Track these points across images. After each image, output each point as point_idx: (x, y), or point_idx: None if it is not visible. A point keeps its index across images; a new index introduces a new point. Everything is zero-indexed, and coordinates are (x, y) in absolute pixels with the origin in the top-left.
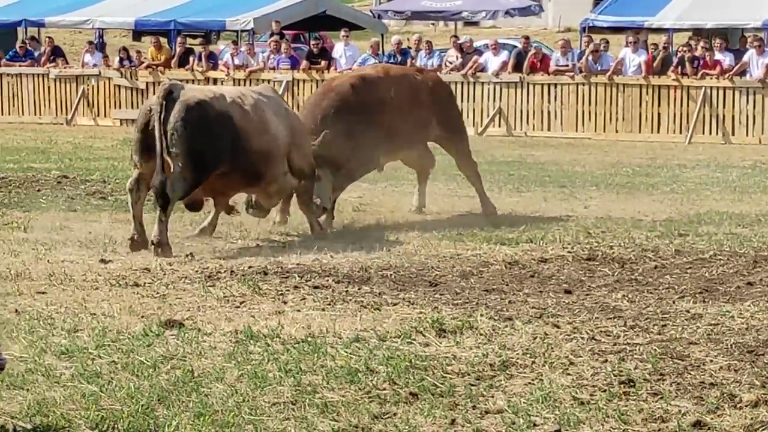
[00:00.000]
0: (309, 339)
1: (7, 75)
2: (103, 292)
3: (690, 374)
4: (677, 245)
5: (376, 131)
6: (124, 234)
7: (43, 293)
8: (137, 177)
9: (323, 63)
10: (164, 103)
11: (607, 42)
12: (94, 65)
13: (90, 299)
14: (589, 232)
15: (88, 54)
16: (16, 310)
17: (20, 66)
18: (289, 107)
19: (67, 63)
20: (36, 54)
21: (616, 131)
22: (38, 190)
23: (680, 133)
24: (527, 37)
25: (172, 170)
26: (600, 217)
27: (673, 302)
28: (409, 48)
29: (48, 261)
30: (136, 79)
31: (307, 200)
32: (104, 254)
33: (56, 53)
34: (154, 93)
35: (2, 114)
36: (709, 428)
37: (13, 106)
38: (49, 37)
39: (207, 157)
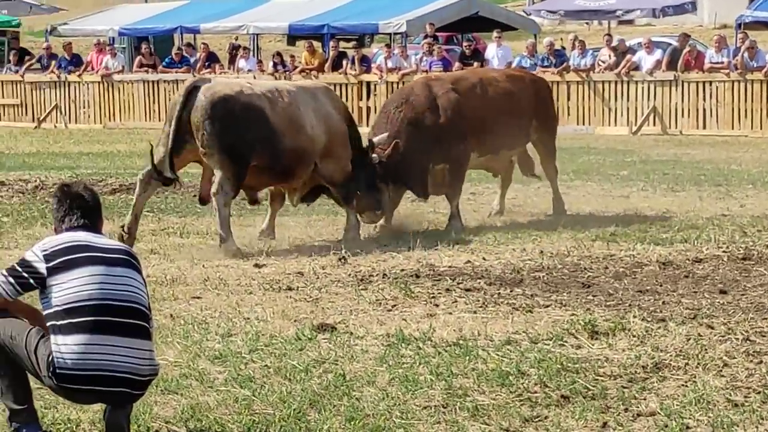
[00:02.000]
0: (460, 342)
1: (164, 81)
2: (256, 297)
3: None
4: None
5: (456, 134)
6: (278, 238)
7: (198, 298)
8: (150, 170)
9: (476, 64)
10: (186, 100)
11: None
12: (249, 70)
13: (244, 303)
14: (744, 231)
15: (243, 59)
16: (171, 315)
17: (176, 72)
18: (337, 111)
19: (223, 68)
20: (192, 60)
21: None
22: (194, 195)
23: None
24: (687, 35)
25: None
26: (756, 216)
27: None
28: (563, 48)
29: (203, 266)
30: None
31: (346, 203)
32: (258, 259)
33: (211, 59)
34: None
35: (159, 120)
36: None
37: None
38: (204, 44)
39: (241, 150)
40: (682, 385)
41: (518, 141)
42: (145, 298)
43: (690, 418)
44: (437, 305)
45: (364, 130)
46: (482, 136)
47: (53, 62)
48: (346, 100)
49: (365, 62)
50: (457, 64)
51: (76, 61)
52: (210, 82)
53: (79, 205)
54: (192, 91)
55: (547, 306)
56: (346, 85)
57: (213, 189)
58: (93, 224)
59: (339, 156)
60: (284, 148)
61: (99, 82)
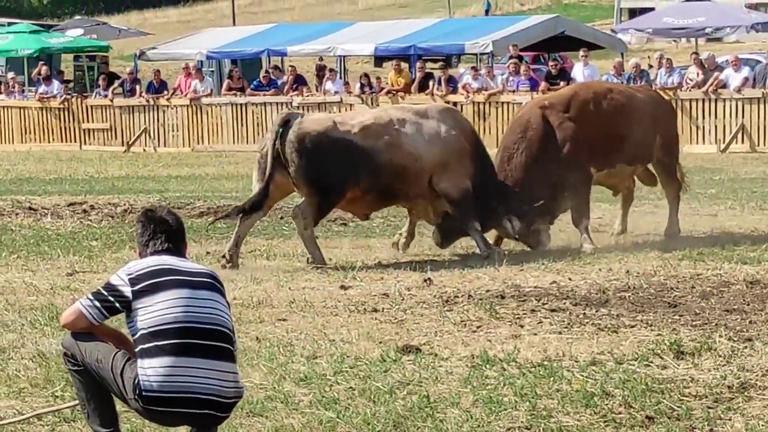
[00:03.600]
0: (545, 363)
1: (252, 104)
2: (342, 318)
3: None
4: None
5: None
6: (364, 259)
7: (284, 320)
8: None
9: (562, 84)
10: (279, 131)
11: None
12: (336, 92)
13: (329, 325)
14: None
15: (330, 81)
16: (257, 337)
17: (264, 95)
18: (457, 130)
19: (310, 91)
20: (279, 83)
21: None
22: (281, 218)
23: None
24: None
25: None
26: None
27: None
28: (651, 66)
29: (289, 288)
30: (377, 105)
31: (465, 222)
32: (344, 280)
33: (299, 82)
34: None
35: (247, 143)
36: None
37: (258, 134)
38: (291, 66)
39: (329, 183)
40: None
41: (636, 157)
42: (230, 320)
43: None
44: (522, 326)
45: None
46: (598, 153)
47: (137, 87)
48: None
49: (452, 83)
50: (543, 84)
51: (161, 87)
52: (300, 117)
53: (163, 230)
54: (284, 124)
55: (633, 326)
56: None
57: (293, 212)
58: (177, 248)
59: (454, 170)
60: (381, 166)
61: (187, 106)
